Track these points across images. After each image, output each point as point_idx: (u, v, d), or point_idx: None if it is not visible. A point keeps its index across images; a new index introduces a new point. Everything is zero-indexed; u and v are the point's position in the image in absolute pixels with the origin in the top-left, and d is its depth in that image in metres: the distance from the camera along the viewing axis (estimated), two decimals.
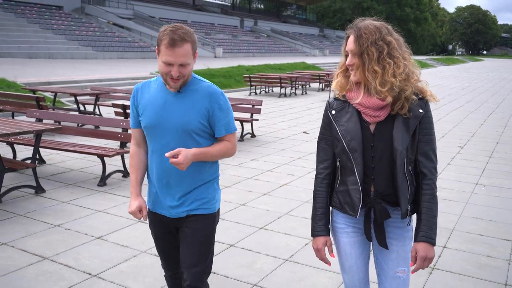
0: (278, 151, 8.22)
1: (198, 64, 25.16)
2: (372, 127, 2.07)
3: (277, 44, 58.12)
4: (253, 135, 9.62)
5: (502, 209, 5.43)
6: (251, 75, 18.97)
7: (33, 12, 34.17)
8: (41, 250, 4.02)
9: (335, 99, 2.19)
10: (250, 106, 9.54)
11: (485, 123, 12.27)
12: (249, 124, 9.63)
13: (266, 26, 65.26)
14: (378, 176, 2.08)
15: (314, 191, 2.26)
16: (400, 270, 2.15)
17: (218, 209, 2.48)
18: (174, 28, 2.18)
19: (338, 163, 2.17)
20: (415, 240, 2.08)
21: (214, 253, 3.98)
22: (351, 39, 2.04)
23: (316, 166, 2.27)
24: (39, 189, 5.47)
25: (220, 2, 68.75)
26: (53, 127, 5.42)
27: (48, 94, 12.66)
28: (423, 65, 50.38)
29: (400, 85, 1.97)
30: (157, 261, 2.38)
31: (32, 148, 6.86)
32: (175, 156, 2.18)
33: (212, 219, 2.42)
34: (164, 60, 2.18)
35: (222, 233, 4.46)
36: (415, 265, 2.09)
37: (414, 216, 2.15)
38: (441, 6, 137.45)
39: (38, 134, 5.37)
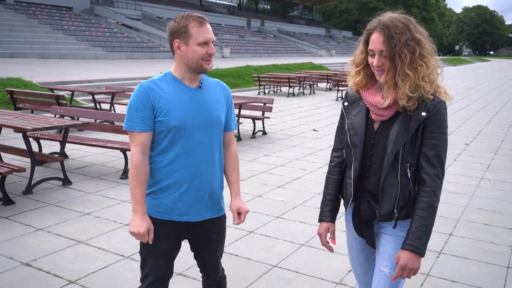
0: (289, 148, 8.52)
1: None
2: (376, 125, 2.05)
3: (284, 44, 58.40)
4: (264, 133, 9.92)
5: (506, 201, 5.70)
6: (260, 75, 19.27)
7: (44, 13, 34.66)
8: (75, 235, 4.34)
9: (352, 90, 2.16)
10: (262, 104, 9.84)
11: (491, 122, 12.50)
12: (261, 122, 9.94)
13: (273, 26, 65.56)
14: (372, 175, 2.05)
15: (326, 178, 2.28)
16: (383, 265, 2.09)
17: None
18: (188, 14, 2.15)
19: (344, 155, 2.19)
20: (401, 247, 1.99)
21: (236, 238, 4.33)
22: (379, 38, 1.91)
23: (331, 154, 2.30)
24: (66, 181, 5.80)
25: (227, 3, 69.11)
26: (80, 123, 5.73)
27: (64, 93, 13.01)
28: None
29: (429, 90, 1.91)
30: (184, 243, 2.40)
31: (56, 143, 7.23)
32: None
33: (225, 218, 2.45)
34: (202, 40, 2.12)
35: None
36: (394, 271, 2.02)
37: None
38: (448, 6, 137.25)
39: (66, 129, 5.70)
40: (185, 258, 3.85)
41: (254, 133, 9.61)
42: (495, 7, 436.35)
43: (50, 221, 4.66)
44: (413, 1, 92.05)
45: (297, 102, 16.43)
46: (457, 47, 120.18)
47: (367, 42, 1.99)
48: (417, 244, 1.93)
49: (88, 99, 13.20)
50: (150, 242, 2.20)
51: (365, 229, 2.12)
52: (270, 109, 9.66)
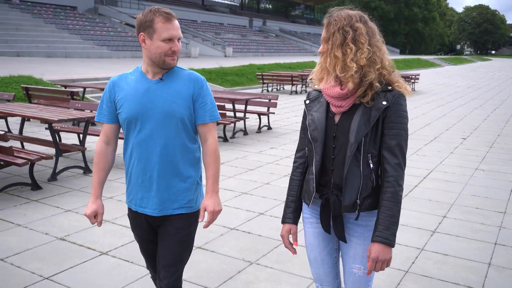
0: (293, 141, 8.92)
1: (211, 63, 25.95)
2: (336, 118, 2.04)
3: (286, 43, 58.78)
4: (269, 128, 10.34)
5: (498, 189, 6.10)
6: (263, 73, 19.67)
7: (49, 13, 35.08)
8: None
9: (314, 89, 2.17)
10: (267, 100, 10.25)
11: (488, 118, 12.89)
12: (266, 117, 10.35)
13: (275, 26, 65.95)
14: (337, 168, 2.03)
15: (289, 179, 2.27)
16: (356, 266, 2.09)
17: (199, 209, 2.36)
18: (156, 8, 2.17)
19: (307, 152, 2.16)
20: (371, 240, 1.98)
21: (248, 219, 4.73)
22: (324, 26, 2.02)
23: (294, 155, 2.29)
24: (87, 170, 6.22)
25: (229, 2, 69.46)
26: None
27: (77, 90, 13.43)
28: (431, 64, 50.82)
29: (363, 70, 1.93)
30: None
31: (71, 135, 7.65)
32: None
33: (195, 218, 2.36)
34: (166, 36, 2.12)
35: (253, 204, 5.20)
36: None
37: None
38: (449, 5, 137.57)
39: (87, 121, 6.11)
40: (203, 234, 4.29)
41: (259, 127, 10.03)
42: (497, 6, 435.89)
43: (77, 203, 5.07)
44: (415, 0, 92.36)
45: (300, 99, 16.83)
46: (458, 47, 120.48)
47: None
48: (385, 235, 1.92)
49: (97, 96, 13.63)
50: (99, 226, 2.36)
51: (335, 224, 2.09)
52: (275, 105, 10.07)
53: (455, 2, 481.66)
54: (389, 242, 1.93)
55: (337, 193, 2.03)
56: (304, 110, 2.18)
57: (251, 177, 6.34)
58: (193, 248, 3.98)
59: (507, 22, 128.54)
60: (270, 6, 79.41)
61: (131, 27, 40.39)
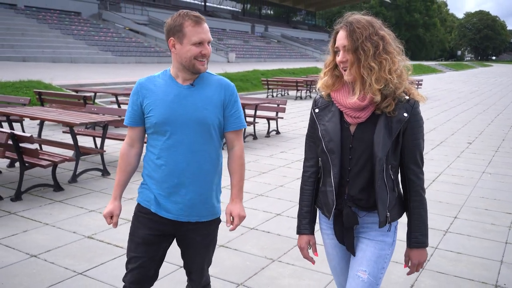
0: (302, 145, 9.02)
1: (215, 68, 26.14)
2: (352, 129, 1.99)
3: (288, 49, 59.10)
4: (278, 132, 10.52)
5: (506, 191, 6.27)
6: (268, 79, 19.88)
7: (54, 18, 35.40)
8: (124, 215, 4.86)
9: (321, 96, 2.12)
10: (276, 105, 10.43)
11: (492, 123, 13.07)
12: (275, 122, 10.54)
13: (277, 31, 66.32)
14: (353, 179, 2.01)
15: (300, 188, 2.22)
16: (361, 270, 2.04)
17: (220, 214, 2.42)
18: (186, 12, 2.15)
19: (320, 163, 2.12)
20: (407, 246, 2.07)
21: (265, 219, 4.90)
22: (342, 34, 1.93)
23: (303, 164, 2.23)
24: (105, 172, 6.39)
25: (231, 8, 69.87)
26: (119, 119, 6.32)
27: (88, 94, 13.62)
28: (432, 70, 51.05)
29: (396, 82, 1.89)
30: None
31: (86, 138, 7.83)
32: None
33: (218, 223, 2.40)
34: (196, 40, 2.10)
35: (270, 205, 5.38)
36: (408, 268, 2.13)
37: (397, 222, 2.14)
38: (450, 11, 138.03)
39: (106, 125, 6.29)
40: (224, 233, 4.46)
41: (268, 132, 10.21)
42: (497, 12, 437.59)
43: (99, 204, 5.24)
44: (416, 6, 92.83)
45: (305, 104, 17.02)
46: (459, 52, 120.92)
47: (334, 42, 1.99)
48: (422, 239, 2.04)
49: (107, 101, 13.82)
50: (114, 227, 2.38)
51: (346, 236, 2.08)
52: (283, 110, 10.25)
53: (455, 8, 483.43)
54: (425, 244, 2.06)
55: (351, 205, 2.02)
56: (312, 118, 2.12)
57: (264, 180, 6.51)
58: (217, 246, 4.18)
59: (508, 28, 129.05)
60: (272, 12, 79.84)
61: (134, 33, 40.72)
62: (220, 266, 3.82)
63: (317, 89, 2.11)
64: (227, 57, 42.28)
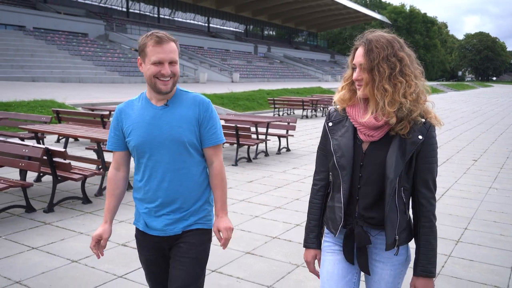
0: (313, 162, 9.39)
1: (221, 88, 26.64)
2: (364, 146, 1.97)
3: (290, 69, 59.84)
4: (288, 149, 10.84)
5: None
6: (275, 98, 20.28)
7: (62, 39, 36.08)
8: None
9: (336, 110, 2.11)
10: (286, 123, 10.77)
11: (496, 142, 13.37)
12: (285, 139, 10.86)
13: (279, 52, 67.25)
14: (362, 198, 1.97)
15: (309, 201, 2.20)
16: None
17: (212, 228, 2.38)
18: (154, 32, 2.18)
19: (330, 177, 2.10)
20: (414, 274, 2.00)
21: (286, 229, 5.17)
22: (360, 51, 1.92)
23: (313, 176, 2.21)
24: (129, 187, 6.68)
25: (234, 29, 71.01)
26: None
27: (104, 113, 13.99)
28: (434, 90, 51.53)
29: (409, 106, 1.86)
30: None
31: (110, 154, 8.12)
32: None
33: (208, 235, 2.35)
34: (154, 59, 2.12)
35: (289, 217, 5.66)
36: None
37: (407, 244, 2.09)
38: (450, 33, 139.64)
39: None
40: (249, 241, 4.73)
41: (279, 149, 10.52)
42: (497, 33, 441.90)
43: (128, 215, 5.53)
44: (416, 27, 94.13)
45: (311, 123, 17.37)
46: (460, 73, 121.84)
47: (354, 57, 2.00)
48: (429, 269, 1.96)
49: None
50: (101, 250, 2.34)
51: (359, 255, 2.03)
52: (293, 128, 10.57)
53: (455, 30, 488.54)
54: (433, 275, 1.97)
55: (362, 224, 1.99)
56: (325, 131, 2.11)
57: (280, 194, 6.80)
58: (243, 253, 4.47)
59: (508, 49, 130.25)
60: (274, 33, 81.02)
61: None
62: (249, 270, 4.09)
63: (333, 102, 2.11)
64: (231, 77, 42.88)
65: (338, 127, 2.04)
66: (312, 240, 2.17)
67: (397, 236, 1.96)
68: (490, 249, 4.81)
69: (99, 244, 2.32)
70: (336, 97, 2.08)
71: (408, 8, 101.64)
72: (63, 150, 5.35)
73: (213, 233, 2.39)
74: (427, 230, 1.97)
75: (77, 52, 34.26)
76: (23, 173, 5.69)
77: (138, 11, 56.60)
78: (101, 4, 52.28)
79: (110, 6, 53.41)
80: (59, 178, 5.57)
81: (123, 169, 2.37)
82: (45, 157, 5.34)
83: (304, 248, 2.22)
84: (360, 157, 1.97)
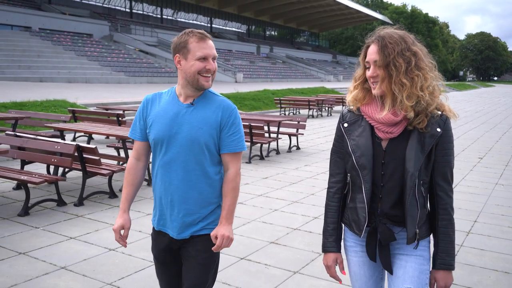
0: (324, 160, 9.69)
1: (224, 88, 26.91)
2: (384, 144, 1.96)
3: (293, 70, 60.12)
4: (298, 148, 11.13)
5: None
6: (281, 98, 20.58)
7: (68, 40, 36.41)
8: None
9: (349, 111, 2.10)
10: (296, 122, 11.06)
11: (500, 140, 13.65)
12: (295, 138, 11.16)
13: (281, 52, 67.54)
14: (386, 196, 1.97)
15: (325, 205, 2.18)
16: (405, 287, 1.99)
17: None
18: (191, 30, 2.21)
19: (348, 178, 2.08)
20: (433, 267, 1.99)
21: (306, 222, 5.46)
22: (374, 49, 1.92)
23: (328, 180, 2.20)
24: (150, 182, 6.97)
25: (236, 30, 71.31)
26: None
27: (120, 112, 14.28)
28: None
29: (428, 99, 1.87)
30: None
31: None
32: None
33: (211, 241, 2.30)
34: (200, 54, 2.14)
35: (306, 210, 5.95)
36: None
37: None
38: (452, 33, 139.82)
39: None
40: (273, 232, 5.03)
41: (290, 147, 10.82)
42: (498, 33, 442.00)
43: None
44: (418, 28, 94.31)
45: (318, 123, 17.66)
46: (461, 73, 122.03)
47: (365, 56, 1.99)
48: (448, 261, 1.96)
49: (130, 119, 14.47)
50: (124, 240, 2.34)
51: (381, 253, 2.02)
52: (304, 127, 10.87)
53: (457, 30, 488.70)
54: (452, 267, 1.98)
55: (386, 222, 1.98)
56: (340, 133, 2.10)
57: (296, 189, 7.09)
58: (268, 243, 4.76)
59: (509, 49, 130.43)
60: (276, 33, 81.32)
61: (145, 54, 41.69)
62: (275, 258, 4.38)
63: (347, 103, 2.11)
64: (235, 77, 43.17)
65: (354, 127, 2.04)
66: (332, 244, 2.13)
67: (417, 230, 1.96)
68: (500, 239, 5.09)
69: (121, 236, 2.34)
70: (349, 98, 2.07)
71: (409, 8, 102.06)
72: (93, 146, 5.65)
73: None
74: (445, 223, 1.97)
75: (83, 53, 34.57)
76: (54, 169, 5.97)
77: (141, 12, 56.92)
78: (104, 5, 52.61)
79: (113, 7, 53.74)
80: (88, 173, 5.86)
81: (143, 159, 2.37)
82: (76, 154, 5.62)
83: (323, 253, 2.18)
84: (381, 155, 1.96)
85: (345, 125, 2.06)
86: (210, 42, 2.19)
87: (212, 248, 2.23)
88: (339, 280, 2.19)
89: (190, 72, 2.16)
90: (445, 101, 2.01)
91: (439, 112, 1.94)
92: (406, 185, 1.91)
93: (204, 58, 2.15)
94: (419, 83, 1.87)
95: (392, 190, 1.95)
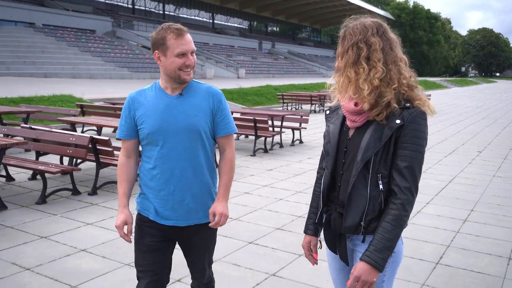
0: None
1: (228, 83, 27.16)
2: (350, 133, 1.97)
3: (295, 65, 60.31)
4: (301, 141, 11.39)
5: None
6: (284, 93, 20.82)
7: (71, 36, 36.67)
8: None
9: (338, 100, 2.10)
10: (299, 117, 11.31)
11: (499, 135, 13.89)
12: (298, 132, 11.42)
13: (283, 48, 67.70)
14: (343, 184, 1.95)
15: (313, 190, 2.25)
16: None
17: None
18: (169, 24, 2.22)
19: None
20: (359, 258, 1.87)
21: None
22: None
23: (318, 165, 2.25)
24: None
25: (238, 25, 71.44)
26: None
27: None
28: (438, 86, 51.95)
29: (378, 90, 1.83)
30: None
31: None
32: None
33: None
34: (179, 51, 2.18)
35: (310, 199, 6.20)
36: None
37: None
38: (454, 29, 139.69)
39: None
40: (278, 220, 5.25)
41: (293, 141, 11.08)
42: (500, 29, 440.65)
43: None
44: (420, 23, 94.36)
45: (320, 118, 17.88)
46: (463, 69, 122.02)
47: None
48: (375, 257, 1.80)
49: None
50: (128, 236, 2.35)
51: (339, 244, 2.01)
52: (306, 121, 11.11)
53: (459, 25, 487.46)
54: (377, 265, 1.80)
55: (340, 210, 1.96)
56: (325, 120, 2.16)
57: (299, 180, 7.35)
58: (274, 229, 5.03)
59: (511, 45, 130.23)
60: (278, 29, 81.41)
61: (148, 49, 41.88)
62: (282, 242, 4.65)
63: (329, 92, 2.14)
64: (237, 73, 43.41)
65: (333, 115, 2.09)
66: (309, 227, 2.17)
67: (363, 223, 1.88)
68: (495, 227, 5.35)
69: (125, 231, 2.36)
70: (331, 89, 2.10)
71: (411, 4, 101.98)
72: (107, 138, 5.91)
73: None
74: (390, 218, 1.83)
75: (87, 49, 34.84)
76: (69, 160, 6.24)
77: (143, 8, 57.11)
78: (107, 1, 52.81)
79: (116, 3, 53.95)
80: (102, 164, 6.13)
81: (133, 156, 2.42)
82: (89, 145, 5.89)
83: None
84: (345, 144, 1.97)
85: (327, 112, 2.13)
86: (188, 37, 2.23)
87: (210, 225, 2.33)
88: (313, 262, 2.17)
89: (170, 69, 2.22)
90: (422, 94, 1.93)
91: (397, 106, 1.85)
92: (351, 173, 1.90)
93: (183, 54, 2.21)
94: (363, 75, 1.84)
95: (349, 179, 1.92)
